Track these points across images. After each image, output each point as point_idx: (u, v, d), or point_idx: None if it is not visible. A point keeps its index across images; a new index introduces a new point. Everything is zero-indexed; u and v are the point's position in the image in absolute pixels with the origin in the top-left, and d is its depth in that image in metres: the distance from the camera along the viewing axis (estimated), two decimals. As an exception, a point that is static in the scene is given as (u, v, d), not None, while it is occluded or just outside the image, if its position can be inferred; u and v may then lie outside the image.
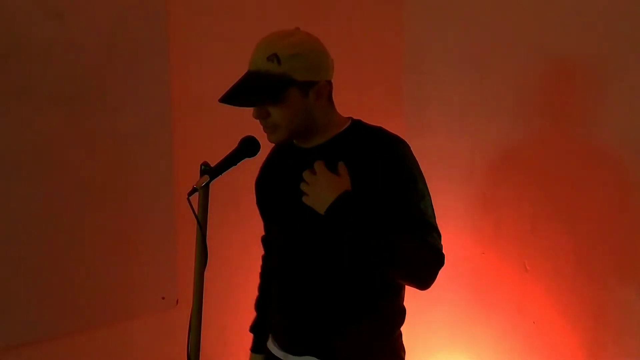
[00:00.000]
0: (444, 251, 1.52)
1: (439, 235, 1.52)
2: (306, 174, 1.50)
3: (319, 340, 1.60)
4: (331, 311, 1.58)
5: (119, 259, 2.26)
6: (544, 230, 2.55)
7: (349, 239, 1.45)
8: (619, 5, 2.27)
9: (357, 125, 1.62)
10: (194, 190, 1.49)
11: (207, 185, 1.50)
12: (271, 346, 1.73)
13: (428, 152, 2.91)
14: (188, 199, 1.48)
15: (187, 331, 1.60)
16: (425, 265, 1.48)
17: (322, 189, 1.47)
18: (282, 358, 1.67)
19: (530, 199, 2.60)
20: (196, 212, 1.50)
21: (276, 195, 1.68)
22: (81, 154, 2.16)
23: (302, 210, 1.55)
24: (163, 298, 2.36)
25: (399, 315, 1.65)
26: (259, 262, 1.89)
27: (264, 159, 1.76)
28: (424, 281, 1.49)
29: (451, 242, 2.86)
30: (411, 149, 1.57)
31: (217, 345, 2.50)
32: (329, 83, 1.57)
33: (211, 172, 1.51)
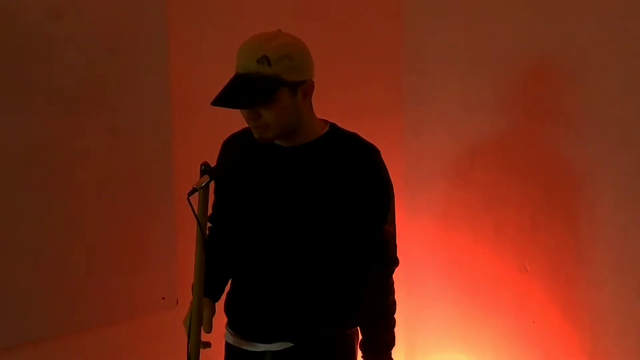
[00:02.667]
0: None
1: (394, 245, 1.73)
2: None
3: (293, 326, 1.66)
4: (307, 299, 1.65)
5: (119, 259, 2.26)
6: (544, 230, 2.55)
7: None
8: (615, 4, 2.27)
9: (335, 130, 1.69)
10: (194, 190, 1.49)
11: (207, 185, 1.50)
12: (232, 339, 1.75)
13: (428, 152, 2.92)
14: (188, 199, 1.48)
15: (187, 331, 1.61)
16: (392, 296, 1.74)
17: None
18: (249, 349, 1.71)
19: (530, 199, 2.59)
20: (196, 212, 1.50)
21: (255, 190, 1.69)
22: (81, 153, 2.16)
23: (281, 207, 1.62)
24: (163, 298, 2.36)
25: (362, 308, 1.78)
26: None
27: (230, 136, 1.79)
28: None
29: (451, 242, 2.88)
30: (381, 155, 1.68)
31: (217, 345, 2.49)
32: (313, 82, 1.61)
33: (211, 172, 1.51)
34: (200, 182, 1.49)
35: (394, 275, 1.75)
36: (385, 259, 1.71)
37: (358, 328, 1.78)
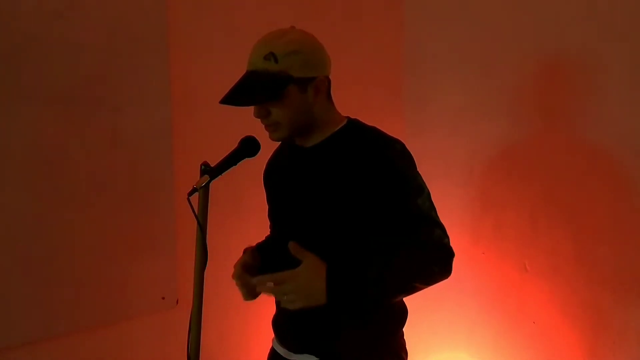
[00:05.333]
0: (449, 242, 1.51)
1: (442, 227, 1.50)
2: (278, 276, 1.39)
3: (319, 339, 1.61)
4: (331, 310, 1.55)
5: (119, 259, 2.26)
6: (544, 230, 2.55)
7: (369, 297, 1.42)
8: (615, 3, 2.27)
9: (353, 124, 1.62)
10: (194, 190, 1.49)
11: (207, 185, 1.50)
12: (275, 344, 1.75)
13: (428, 152, 2.92)
14: (188, 199, 1.48)
15: (187, 331, 1.60)
16: (438, 267, 1.47)
17: (306, 282, 1.38)
18: (283, 355, 1.68)
19: (530, 199, 2.60)
20: (196, 212, 1.50)
21: (279, 196, 1.70)
22: (81, 154, 2.16)
23: (304, 211, 1.58)
24: (163, 298, 2.36)
25: (400, 314, 1.66)
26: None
27: (271, 154, 1.79)
28: (442, 277, 1.48)
29: (451, 242, 2.88)
30: (406, 147, 1.55)
31: (217, 345, 2.50)
32: (327, 79, 1.57)
33: (211, 172, 1.51)
34: (200, 182, 1.49)
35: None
36: (425, 254, 1.46)
37: (400, 341, 1.67)
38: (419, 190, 1.52)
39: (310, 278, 1.37)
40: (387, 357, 1.63)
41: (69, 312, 2.17)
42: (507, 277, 2.70)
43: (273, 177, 1.76)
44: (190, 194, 1.49)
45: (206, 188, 1.51)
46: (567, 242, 2.47)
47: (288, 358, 1.67)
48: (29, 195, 2.07)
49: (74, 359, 2.23)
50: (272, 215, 1.76)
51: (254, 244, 1.82)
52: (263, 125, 1.57)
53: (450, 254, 1.49)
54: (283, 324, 1.71)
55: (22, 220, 2.07)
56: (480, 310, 2.82)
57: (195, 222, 1.51)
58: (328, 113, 1.60)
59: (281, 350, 1.70)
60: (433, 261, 1.46)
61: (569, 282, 2.48)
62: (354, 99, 2.83)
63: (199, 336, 1.59)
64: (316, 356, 1.61)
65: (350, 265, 1.41)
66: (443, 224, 1.51)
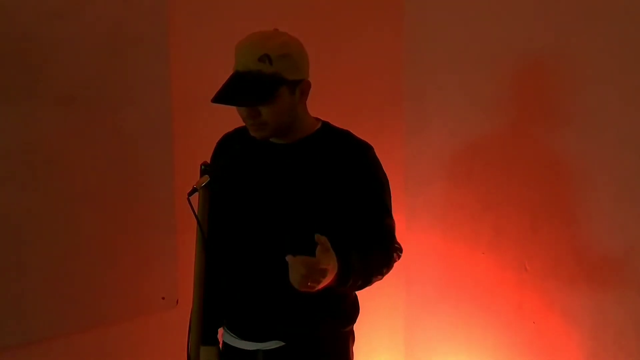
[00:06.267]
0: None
1: (394, 228, 1.70)
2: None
3: (288, 324, 1.66)
4: (300, 298, 1.58)
5: (120, 259, 2.26)
6: (544, 230, 2.55)
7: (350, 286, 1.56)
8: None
9: (329, 127, 1.71)
10: (194, 190, 1.50)
11: (207, 185, 1.51)
12: (230, 338, 1.75)
13: (427, 152, 2.92)
14: (188, 199, 1.49)
15: (187, 331, 1.61)
16: (386, 271, 1.66)
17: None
18: (243, 347, 1.71)
19: (530, 199, 2.60)
20: (196, 212, 1.51)
21: (250, 186, 1.70)
22: (81, 153, 2.16)
23: (276, 203, 1.63)
24: (163, 298, 2.36)
25: (356, 307, 1.79)
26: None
27: (216, 149, 1.80)
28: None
29: (451, 242, 2.89)
30: (374, 151, 1.69)
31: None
32: (309, 82, 1.63)
33: (211, 172, 1.51)
34: (200, 182, 1.50)
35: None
36: (388, 250, 1.68)
37: (353, 328, 1.78)
38: (387, 195, 1.69)
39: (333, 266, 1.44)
40: (350, 340, 1.77)
41: (68, 312, 2.17)
42: (507, 277, 2.70)
43: (235, 172, 1.71)
44: (190, 194, 1.50)
45: (206, 188, 1.51)
46: (567, 242, 2.47)
47: (247, 349, 1.70)
48: (28, 195, 2.07)
49: (74, 359, 2.23)
50: (231, 208, 1.73)
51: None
52: (247, 124, 1.60)
53: (398, 257, 1.71)
54: (245, 314, 1.72)
55: (22, 219, 2.07)
56: (480, 311, 2.82)
57: (195, 222, 1.51)
58: (306, 115, 1.67)
59: (239, 343, 1.72)
60: (386, 267, 1.65)
61: (569, 282, 2.48)
62: (354, 98, 2.84)
63: (199, 336, 1.60)
64: (283, 341, 1.66)
65: (349, 260, 1.51)
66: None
